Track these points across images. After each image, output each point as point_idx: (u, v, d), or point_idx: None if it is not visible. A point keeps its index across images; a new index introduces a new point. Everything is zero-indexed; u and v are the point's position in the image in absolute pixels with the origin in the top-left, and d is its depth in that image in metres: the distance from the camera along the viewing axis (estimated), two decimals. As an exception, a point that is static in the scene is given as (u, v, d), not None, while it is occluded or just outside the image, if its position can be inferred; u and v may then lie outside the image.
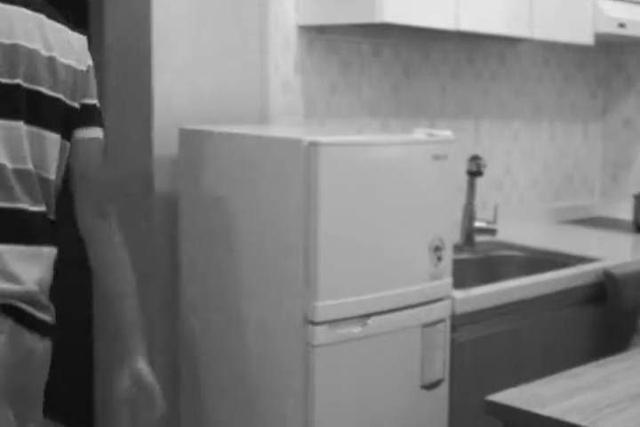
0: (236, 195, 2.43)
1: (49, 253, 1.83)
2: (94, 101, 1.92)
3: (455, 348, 2.59)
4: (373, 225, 2.33)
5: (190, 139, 2.58)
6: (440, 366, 2.53)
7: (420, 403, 2.51)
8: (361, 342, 2.32)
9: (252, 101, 2.92)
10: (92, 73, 1.92)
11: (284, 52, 2.98)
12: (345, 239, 2.26)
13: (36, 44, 1.78)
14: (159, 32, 2.67)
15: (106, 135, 1.99)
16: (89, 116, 1.89)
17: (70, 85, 1.84)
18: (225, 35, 2.82)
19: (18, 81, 1.74)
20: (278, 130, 2.76)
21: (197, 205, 2.55)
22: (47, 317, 1.82)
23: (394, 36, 3.33)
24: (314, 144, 2.21)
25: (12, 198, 1.74)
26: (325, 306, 2.23)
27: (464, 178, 3.38)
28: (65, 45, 1.85)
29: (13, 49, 1.74)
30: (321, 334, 2.23)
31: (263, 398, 2.38)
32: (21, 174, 1.76)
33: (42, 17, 1.82)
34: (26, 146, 1.75)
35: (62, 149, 1.84)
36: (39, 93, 1.77)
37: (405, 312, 2.42)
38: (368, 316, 2.32)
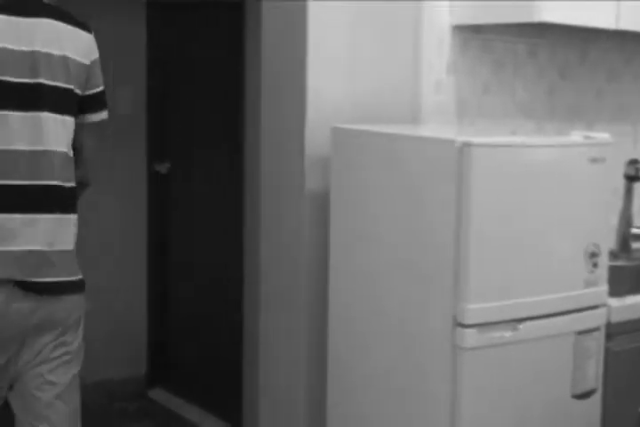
0: (386, 194, 2.42)
1: (74, 219, 2.25)
2: (100, 88, 2.34)
3: (609, 357, 2.51)
4: (527, 228, 2.27)
5: (342, 138, 2.58)
6: (593, 375, 2.45)
7: (571, 413, 2.43)
8: (511, 347, 2.27)
9: (404, 101, 2.90)
10: (96, 65, 2.31)
11: (438, 52, 2.95)
12: (497, 242, 2.22)
13: (52, 48, 2.17)
14: (314, 33, 2.69)
15: (259, 133, 2.04)
16: (98, 103, 2.33)
17: (79, 78, 2.24)
18: (379, 35, 2.81)
19: (39, 80, 2.14)
20: (430, 130, 2.74)
21: (347, 203, 2.55)
22: (74, 275, 2.22)
23: (550, 36, 3.25)
24: (467, 145, 2.18)
25: (55, 177, 2.16)
26: (476, 309, 2.19)
27: (621, 182, 3.27)
28: (75, 44, 2.23)
29: (33, 55, 2.14)
30: (471, 337, 2.19)
31: (407, 400, 2.36)
32: (61, 156, 2.17)
33: (57, 23, 2.20)
34: (54, 131, 2.16)
35: (74, 128, 2.25)
36: (57, 87, 2.17)
37: (558, 319, 2.35)
38: (519, 320, 2.27)
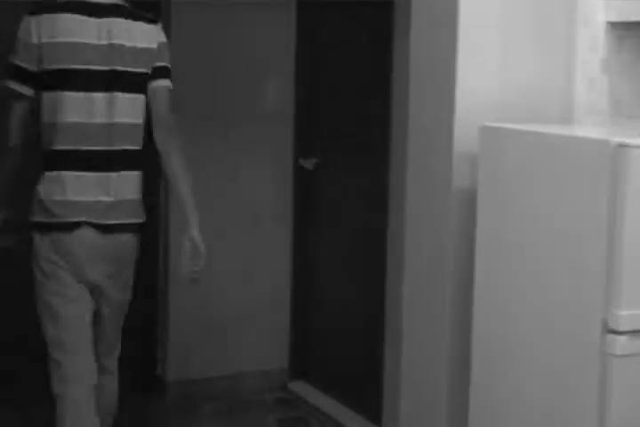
0: (534, 195, 2.38)
1: (140, 175, 2.91)
2: (163, 64, 2.91)
3: None
4: (684, 232, 2.19)
5: (490, 136, 2.55)
6: None
7: None
8: (664, 356, 2.20)
9: (555, 99, 2.85)
10: (163, 47, 2.91)
11: (592, 50, 2.88)
12: (653, 246, 2.15)
13: (123, 40, 2.79)
14: (464, 30, 2.67)
15: (406, 130, 2.04)
16: (158, 73, 2.89)
17: (146, 60, 2.85)
18: (531, 31, 2.77)
19: (113, 67, 2.79)
20: (583, 130, 2.68)
21: (495, 202, 2.52)
22: (139, 219, 2.93)
23: None
24: (622, 146, 2.12)
25: (126, 142, 2.85)
26: (630, 315, 2.13)
27: None
28: (141, 35, 2.83)
29: (108, 47, 2.78)
30: (623, 345, 2.13)
31: (551, 406, 2.32)
32: (131, 127, 2.85)
33: (125, 20, 2.82)
34: (124, 107, 2.81)
35: (144, 103, 2.88)
36: (128, 72, 2.81)
37: None
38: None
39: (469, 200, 2.67)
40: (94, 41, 2.77)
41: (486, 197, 2.55)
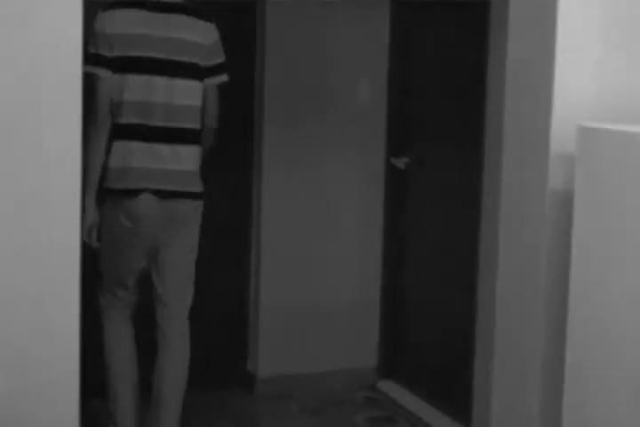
0: (634, 196, 2.33)
1: (197, 149, 3.35)
2: (219, 60, 3.39)
3: None
4: None
5: (588, 137, 2.51)
6: None
7: None
8: None
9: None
10: (217, 44, 3.37)
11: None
12: None
13: (183, 34, 3.27)
14: (564, 29, 2.64)
15: (501, 129, 2.02)
16: (216, 71, 3.37)
17: (202, 55, 3.31)
18: (633, 30, 2.71)
19: (173, 57, 3.25)
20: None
21: (593, 204, 2.48)
22: (196, 187, 3.35)
23: None
24: None
25: (186, 121, 3.30)
26: None
27: None
28: (198, 31, 3.30)
29: (170, 39, 3.25)
30: None
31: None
32: (187, 108, 3.29)
33: (185, 17, 3.28)
34: (181, 90, 3.27)
35: (202, 89, 3.34)
36: (183, 61, 3.27)
37: None
38: None
39: (565, 201, 2.63)
40: (158, 33, 3.24)
41: (584, 198, 2.51)
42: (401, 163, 4.27)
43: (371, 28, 4.30)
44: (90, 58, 3.16)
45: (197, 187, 3.36)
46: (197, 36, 3.30)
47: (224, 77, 3.42)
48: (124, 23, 3.22)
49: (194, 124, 3.33)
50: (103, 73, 3.22)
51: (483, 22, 3.59)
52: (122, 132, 3.25)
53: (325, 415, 4.08)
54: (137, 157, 3.23)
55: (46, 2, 2.01)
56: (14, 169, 2.02)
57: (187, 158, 3.31)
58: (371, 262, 4.40)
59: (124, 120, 3.25)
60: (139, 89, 3.24)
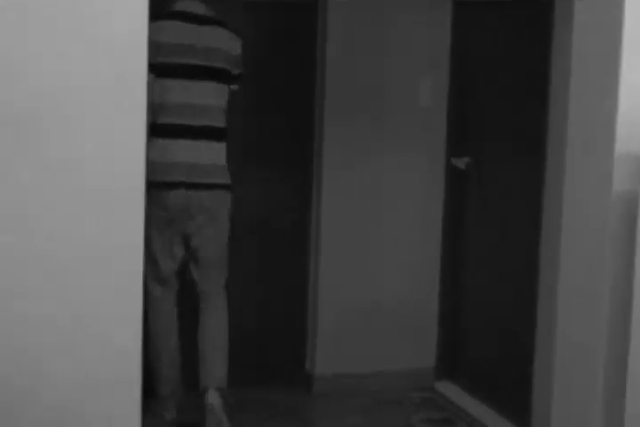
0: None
1: (224, 146, 3.69)
2: (240, 70, 3.78)
3: None
4: None
5: (655, 137, 2.48)
6: None
7: None
8: None
9: None
10: (240, 56, 3.75)
11: None
12: None
13: (219, 44, 3.67)
14: (630, 28, 2.61)
15: (564, 130, 1.99)
16: (236, 78, 3.77)
17: (231, 63, 3.71)
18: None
19: (211, 64, 3.63)
20: None
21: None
22: (225, 180, 3.68)
23: None
24: None
25: (216, 121, 3.66)
26: None
27: None
28: (228, 42, 3.70)
29: (208, 49, 3.64)
30: None
31: None
32: (219, 108, 3.67)
33: (218, 28, 3.68)
34: (212, 92, 3.65)
35: (226, 91, 3.73)
36: (216, 67, 3.65)
37: None
38: None
39: (630, 201, 2.60)
40: (200, 43, 3.62)
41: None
42: (461, 163, 4.25)
43: (432, 28, 4.29)
44: None
45: (227, 179, 3.70)
46: (231, 48, 3.72)
47: (237, 87, 3.82)
48: (170, 33, 3.58)
49: (223, 123, 3.70)
50: (148, 77, 3.37)
51: (546, 21, 3.56)
52: (162, 130, 3.57)
53: (382, 415, 4.08)
54: (175, 152, 3.57)
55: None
56: (77, 167, 2.04)
57: (218, 153, 3.66)
58: (430, 262, 4.38)
59: (165, 120, 3.58)
60: (179, 92, 3.59)
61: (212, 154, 3.64)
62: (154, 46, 3.35)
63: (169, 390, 3.74)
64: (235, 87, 3.79)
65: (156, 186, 3.51)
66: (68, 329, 2.01)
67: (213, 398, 3.64)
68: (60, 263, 1.99)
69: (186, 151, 3.59)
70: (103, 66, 2.01)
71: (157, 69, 3.51)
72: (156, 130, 3.57)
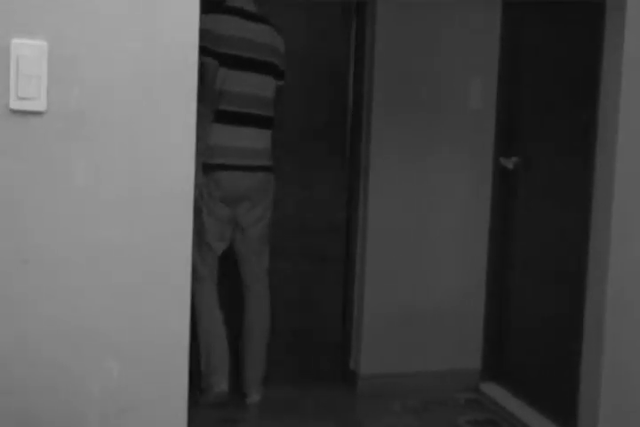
0: None
1: (270, 132, 3.96)
2: (285, 67, 4.03)
3: None
4: None
5: None
6: None
7: None
8: None
9: None
10: (284, 53, 4.00)
11: None
12: None
13: (271, 41, 3.92)
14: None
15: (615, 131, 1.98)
16: (283, 75, 4.03)
17: (280, 59, 3.98)
18: None
19: (264, 58, 3.89)
20: None
21: None
22: (270, 162, 3.96)
23: None
24: None
25: (266, 110, 3.93)
26: None
27: None
28: (276, 39, 3.95)
29: (263, 45, 3.88)
30: None
31: None
32: (269, 99, 3.95)
33: (268, 26, 3.92)
34: (266, 84, 3.92)
35: (275, 84, 4.00)
36: (268, 62, 3.91)
37: None
38: None
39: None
40: (257, 39, 3.87)
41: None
42: (510, 163, 4.23)
43: (482, 28, 4.27)
44: (205, 51, 3.66)
45: (272, 161, 3.99)
46: (278, 45, 3.97)
47: (282, 82, 4.06)
48: (229, 27, 3.80)
49: (272, 113, 3.98)
50: (211, 61, 3.73)
51: (597, 21, 3.53)
52: (221, 116, 3.82)
53: (427, 416, 4.07)
54: (233, 137, 3.83)
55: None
56: (125, 167, 2.04)
57: (266, 139, 3.93)
58: (476, 263, 4.37)
59: (224, 107, 3.82)
60: (237, 82, 3.82)
61: (264, 139, 3.92)
62: (217, 37, 3.75)
63: (218, 363, 3.90)
64: (281, 83, 4.01)
65: (214, 168, 3.78)
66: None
67: (255, 395, 3.94)
68: (111, 255, 2.00)
69: (242, 137, 3.84)
70: (157, 60, 2.01)
71: (220, 59, 3.76)
72: (217, 116, 3.81)
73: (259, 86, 3.89)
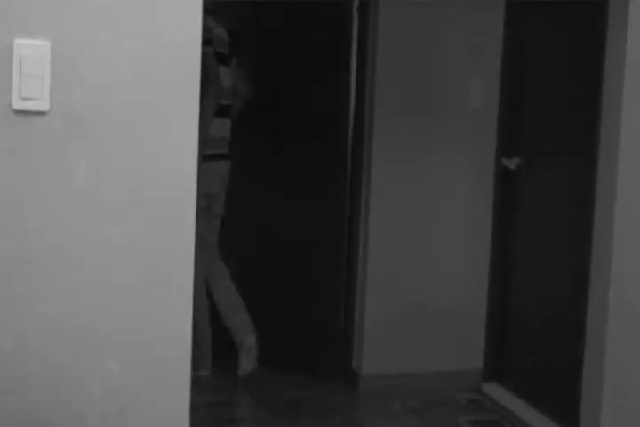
0: None
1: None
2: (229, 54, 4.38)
3: None
4: None
5: None
6: None
7: None
8: None
9: None
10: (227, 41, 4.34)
11: None
12: None
13: (226, 37, 4.25)
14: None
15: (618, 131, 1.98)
16: (229, 59, 4.37)
17: (225, 48, 4.27)
18: None
19: (218, 49, 4.16)
20: None
21: None
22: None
23: None
24: None
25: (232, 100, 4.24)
26: None
27: None
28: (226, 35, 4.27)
29: (226, 41, 4.20)
30: None
31: None
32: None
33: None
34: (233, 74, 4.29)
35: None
36: (221, 52, 4.29)
37: None
38: None
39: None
40: (225, 36, 4.16)
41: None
42: (512, 163, 4.22)
43: (484, 28, 4.27)
44: (209, 52, 3.93)
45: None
46: (227, 39, 4.23)
47: None
48: (217, 27, 4.13)
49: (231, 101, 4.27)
50: (211, 50, 3.97)
51: (600, 22, 3.52)
52: (219, 110, 4.08)
53: (428, 416, 4.07)
54: (219, 128, 4.11)
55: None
56: (128, 167, 2.04)
57: (228, 126, 4.21)
58: (478, 263, 4.36)
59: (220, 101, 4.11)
60: (226, 76, 4.11)
61: (229, 129, 4.23)
62: (217, 38, 4.05)
63: (203, 347, 4.08)
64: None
65: (205, 159, 3.87)
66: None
67: (252, 340, 4.19)
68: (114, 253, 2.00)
69: (223, 127, 4.16)
70: (161, 62, 2.00)
71: (217, 57, 4.06)
72: (217, 109, 4.08)
73: (231, 77, 4.20)
